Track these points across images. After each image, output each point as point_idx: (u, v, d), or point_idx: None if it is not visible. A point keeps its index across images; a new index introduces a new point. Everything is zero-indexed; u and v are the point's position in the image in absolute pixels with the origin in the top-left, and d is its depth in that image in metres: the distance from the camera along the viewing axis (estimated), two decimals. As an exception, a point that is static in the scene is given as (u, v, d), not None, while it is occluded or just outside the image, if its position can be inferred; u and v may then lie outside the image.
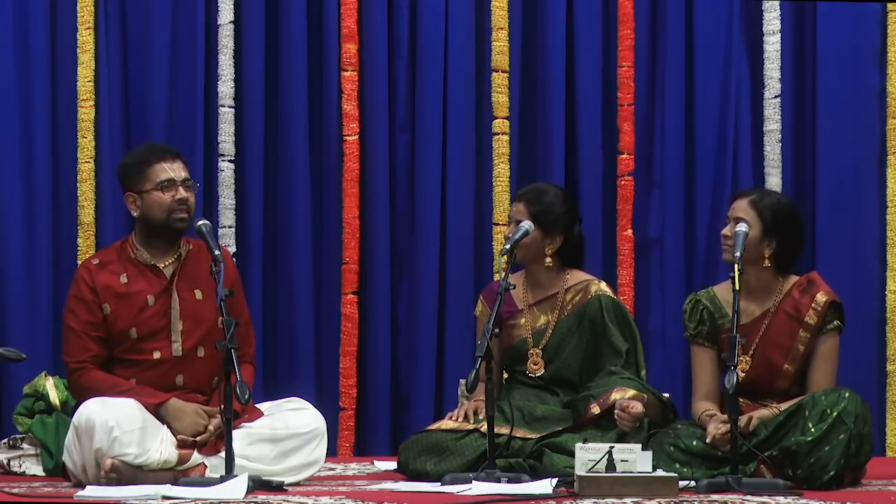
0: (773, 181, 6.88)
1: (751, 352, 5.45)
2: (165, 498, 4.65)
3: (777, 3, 6.93)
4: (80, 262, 6.67)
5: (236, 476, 4.80)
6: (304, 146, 6.90)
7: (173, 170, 5.29)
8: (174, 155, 5.34)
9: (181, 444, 5.13)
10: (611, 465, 4.82)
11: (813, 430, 5.15)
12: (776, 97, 6.93)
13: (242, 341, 5.34)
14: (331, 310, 6.90)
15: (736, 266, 5.20)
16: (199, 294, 5.30)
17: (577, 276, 5.80)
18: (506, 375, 5.89)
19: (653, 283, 6.97)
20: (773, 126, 6.93)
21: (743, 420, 5.18)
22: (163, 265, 5.34)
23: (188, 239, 5.39)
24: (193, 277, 5.32)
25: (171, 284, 5.31)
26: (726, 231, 5.42)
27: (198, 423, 5.15)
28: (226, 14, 6.84)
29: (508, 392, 5.75)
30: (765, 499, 4.71)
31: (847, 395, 5.21)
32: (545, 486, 4.93)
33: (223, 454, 4.91)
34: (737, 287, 5.14)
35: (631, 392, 5.48)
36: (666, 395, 5.69)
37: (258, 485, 4.88)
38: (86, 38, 6.77)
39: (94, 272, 5.33)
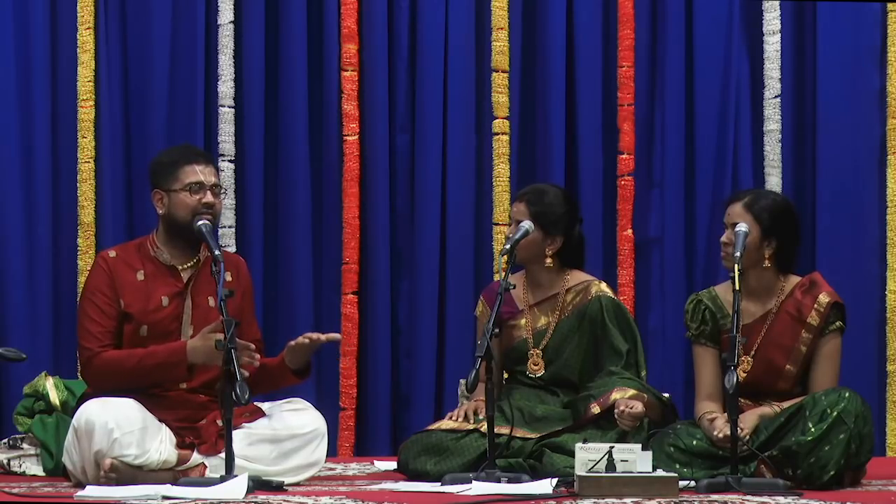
0: (773, 181, 6.88)
1: (752, 352, 5.45)
2: (165, 498, 4.64)
3: (777, 3, 6.93)
4: (80, 263, 6.68)
5: (236, 476, 4.80)
6: (304, 146, 6.89)
7: (204, 173, 5.26)
8: (207, 160, 5.34)
9: (181, 445, 5.13)
10: (611, 465, 4.82)
11: (813, 429, 5.15)
12: (776, 97, 6.93)
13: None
14: (331, 310, 6.90)
15: (736, 266, 5.19)
16: (212, 301, 5.26)
17: (577, 277, 5.80)
18: (506, 376, 5.89)
19: (653, 283, 6.96)
20: (773, 126, 6.93)
21: (745, 429, 5.19)
22: (181, 268, 5.32)
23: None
24: (209, 284, 5.26)
25: (186, 288, 5.29)
26: (725, 238, 5.41)
27: (212, 349, 5.00)
28: (226, 14, 6.84)
29: (508, 392, 5.75)
30: (765, 499, 4.70)
31: (847, 395, 5.20)
32: (545, 486, 4.93)
33: (223, 454, 4.91)
34: (737, 287, 5.14)
35: (631, 392, 5.48)
36: (666, 395, 5.69)
37: (258, 485, 4.88)
38: (86, 38, 6.76)
39: (112, 264, 5.28)
